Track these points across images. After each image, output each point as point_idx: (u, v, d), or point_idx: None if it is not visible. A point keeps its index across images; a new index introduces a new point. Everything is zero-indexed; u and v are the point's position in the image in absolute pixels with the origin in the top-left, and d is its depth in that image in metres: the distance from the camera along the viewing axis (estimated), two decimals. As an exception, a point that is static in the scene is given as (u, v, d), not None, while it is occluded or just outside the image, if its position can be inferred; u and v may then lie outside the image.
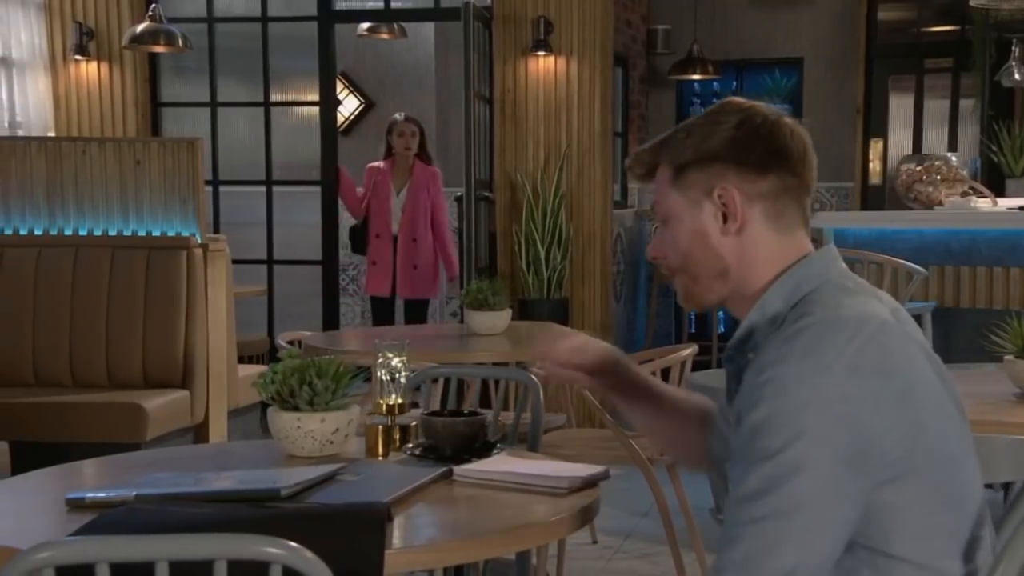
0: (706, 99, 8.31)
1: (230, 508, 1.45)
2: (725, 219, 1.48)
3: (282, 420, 1.87)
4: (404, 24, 7.34)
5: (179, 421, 4.39)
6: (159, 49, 5.82)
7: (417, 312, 6.13)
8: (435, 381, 2.59)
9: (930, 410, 1.39)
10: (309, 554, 1.15)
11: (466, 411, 1.98)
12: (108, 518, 1.41)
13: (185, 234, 4.61)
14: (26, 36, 6.28)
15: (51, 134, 6.30)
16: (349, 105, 8.12)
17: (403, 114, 6.23)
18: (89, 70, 6.45)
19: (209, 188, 6.70)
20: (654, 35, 8.12)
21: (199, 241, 4.60)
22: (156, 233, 4.65)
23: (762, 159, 1.48)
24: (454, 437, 1.86)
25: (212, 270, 4.63)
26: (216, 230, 6.57)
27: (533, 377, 2.32)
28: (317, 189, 6.55)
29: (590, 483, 1.73)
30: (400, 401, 1.96)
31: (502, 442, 2.03)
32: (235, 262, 6.43)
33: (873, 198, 8.13)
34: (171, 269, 4.49)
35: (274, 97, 6.84)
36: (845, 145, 7.91)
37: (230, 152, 6.84)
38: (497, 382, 2.44)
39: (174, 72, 6.96)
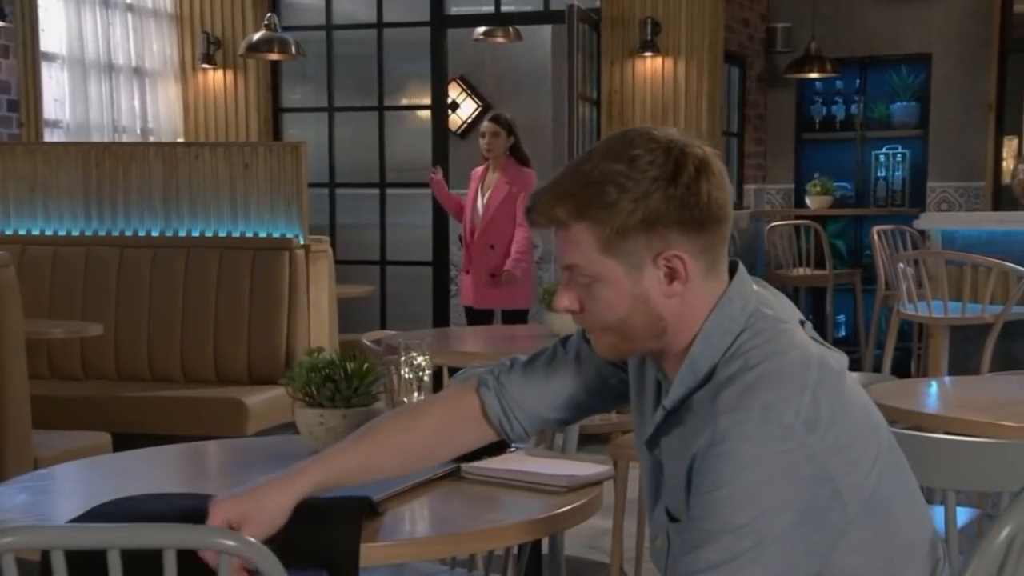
0: (828, 98, 8.14)
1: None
2: (670, 281, 1.38)
3: (306, 416, 1.96)
4: (521, 27, 7.43)
5: (280, 417, 4.57)
6: (274, 57, 6.06)
7: (512, 323, 5.56)
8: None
9: (873, 431, 1.37)
10: (258, 544, 1.22)
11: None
12: (108, 506, 1.51)
13: (289, 235, 4.80)
14: (158, 47, 6.62)
15: (180, 139, 6.63)
16: (467, 108, 8.26)
17: (493, 112, 5.91)
18: (216, 78, 6.76)
19: (325, 190, 6.94)
20: (773, 33, 8.00)
21: (302, 242, 4.78)
22: (262, 234, 4.85)
23: (703, 215, 1.37)
24: (469, 434, 1.92)
25: (314, 270, 4.80)
26: (332, 232, 6.81)
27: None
28: (428, 191, 6.69)
29: (590, 483, 1.77)
30: (423, 398, 2.03)
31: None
32: (349, 263, 6.67)
33: (1006, 198, 7.82)
34: (274, 269, 4.68)
35: (389, 101, 7.02)
36: (976, 144, 7.63)
37: (346, 155, 7.06)
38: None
39: (294, 78, 7.22)
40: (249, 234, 4.87)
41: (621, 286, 1.39)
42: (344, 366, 1.98)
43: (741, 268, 1.44)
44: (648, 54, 6.24)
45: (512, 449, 1.94)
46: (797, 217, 7.68)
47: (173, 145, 5.88)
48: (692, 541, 1.30)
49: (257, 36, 5.99)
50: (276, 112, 6.88)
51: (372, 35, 6.86)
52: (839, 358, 1.40)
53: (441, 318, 6.66)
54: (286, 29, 6.84)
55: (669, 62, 6.28)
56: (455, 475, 1.81)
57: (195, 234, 4.91)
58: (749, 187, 7.80)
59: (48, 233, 5.01)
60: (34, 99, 5.56)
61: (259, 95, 6.78)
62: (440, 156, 6.65)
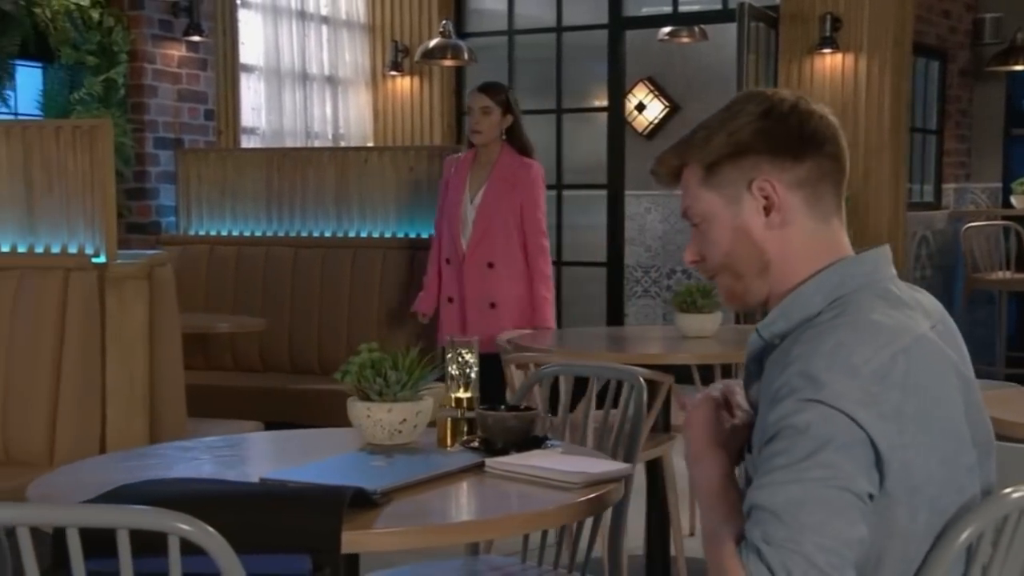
0: (1040, 91, 7.64)
1: (234, 486, 1.68)
2: (767, 212, 1.42)
3: (356, 408, 2.07)
4: (708, 27, 7.36)
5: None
6: (447, 63, 6.27)
7: (493, 373, 3.38)
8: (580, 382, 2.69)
9: (940, 435, 1.34)
10: (210, 529, 1.32)
11: (522, 407, 2.09)
12: (130, 487, 1.66)
13: (448, 236, 4.96)
14: (350, 56, 6.97)
15: (370, 144, 6.95)
16: (653, 110, 8.25)
17: (485, 82, 4.48)
18: (403, 84, 7.05)
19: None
20: (981, 24, 7.58)
21: (463, 243, 4.93)
22: (424, 235, 5.04)
23: (796, 145, 1.42)
24: (504, 431, 1.98)
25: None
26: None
27: (640, 378, 2.37)
28: (604, 192, 6.75)
29: (605, 480, 1.80)
30: (469, 395, 2.11)
31: (555, 439, 2.12)
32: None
33: None
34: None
35: (572, 104, 7.10)
36: None
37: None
38: (609, 381, 2.50)
39: (478, 83, 7.40)
40: (412, 235, 5.07)
41: (723, 220, 1.45)
42: (394, 362, 2.08)
43: (887, 249, 1.46)
44: (827, 51, 6.07)
45: (547, 446, 2.00)
46: (1003, 218, 7.26)
47: (344, 150, 6.19)
48: (762, 458, 1.32)
49: (433, 43, 6.22)
50: (459, 116, 7.10)
51: (553, 39, 6.97)
52: (955, 355, 1.39)
53: (615, 319, 6.70)
54: (469, 35, 7.06)
55: (850, 58, 6.08)
56: (479, 469, 1.88)
57: (363, 235, 5.16)
58: (948, 186, 7.42)
59: (235, 234, 5.39)
60: (232, 108, 5.98)
61: (443, 100, 7.01)
62: (616, 158, 6.69)
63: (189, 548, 1.40)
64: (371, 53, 7.06)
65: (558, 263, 6.99)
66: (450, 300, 4.29)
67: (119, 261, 3.47)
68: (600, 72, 7.02)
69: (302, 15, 6.57)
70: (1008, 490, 1.37)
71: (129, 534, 1.35)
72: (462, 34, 7.02)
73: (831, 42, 6.04)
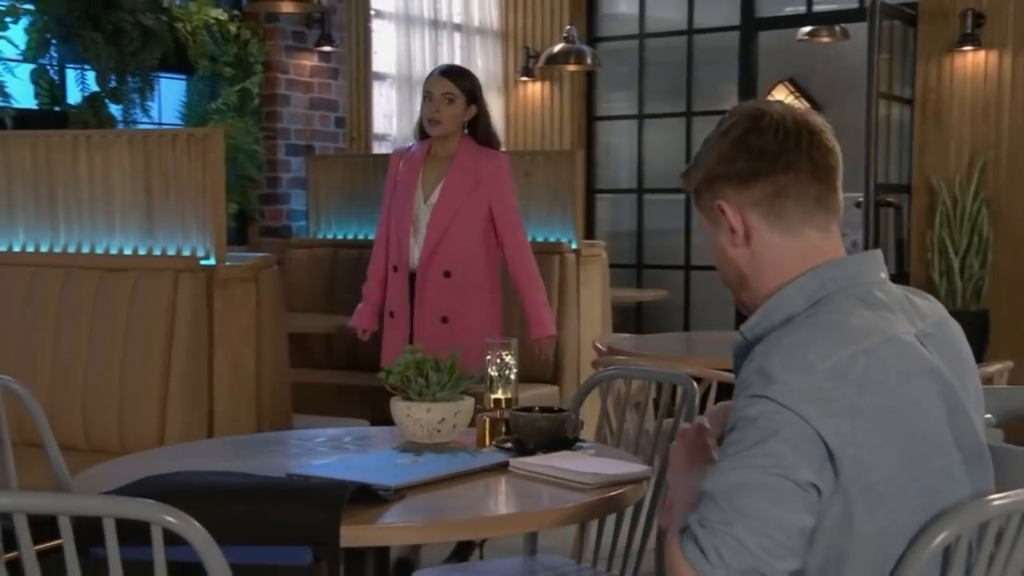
0: None
1: (244, 479, 1.75)
2: (733, 232, 1.49)
3: (397, 408, 2.13)
4: (850, 26, 7.16)
5: (544, 411, 4.78)
6: (571, 68, 6.28)
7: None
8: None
9: (903, 435, 1.33)
10: (193, 521, 1.38)
11: (555, 409, 2.10)
12: (154, 478, 1.75)
13: (563, 240, 4.99)
14: (483, 62, 7.08)
15: (502, 149, 7.03)
16: (795, 111, 8.06)
17: (446, 64, 4.15)
18: (534, 90, 7.11)
19: (634, 195, 7.09)
20: None
21: (573, 247, 4.95)
22: (540, 239, 5.08)
23: (746, 166, 1.47)
24: (535, 432, 2.01)
25: (586, 274, 4.96)
26: (639, 238, 6.95)
27: (694, 382, 2.35)
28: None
29: (621, 481, 1.80)
30: (508, 396, 2.14)
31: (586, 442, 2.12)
32: (652, 267, 6.77)
33: None
34: (545, 273, 4.88)
35: (703, 107, 7.02)
36: None
37: (657, 161, 7.15)
38: (661, 385, 2.49)
39: (608, 87, 7.41)
40: (540, 239, 5.11)
41: (710, 238, 1.54)
42: (436, 363, 2.13)
43: (877, 253, 1.50)
44: (969, 48, 5.82)
45: (577, 447, 2.01)
46: None
47: None
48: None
49: (557, 48, 6.25)
50: (590, 120, 7.11)
51: (684, 42, 6.91)
52: (942, 364, 1.38)
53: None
54: (601, 40, 7.08)
55: (993, 56, 5.81)
56: (503, 469, 1.91)
57: (480, 238, 5.23)
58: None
59: (360, 237, 5.55)
60: (364, 115, 6.17)
61: (572, 105, 7.04)
62: (747, 161, 6.58)
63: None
64: (503, 59, 7.16)
65: (686, 267, 6.93)
66: (391, 315, 3.63)
67: (227, 264, 3.64)
68: (734, 74, 6.93)
69: (435, 23, 6.72)
70: (992, 496, 1.34)
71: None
72: (592, 39, 7.04)
73: (973, 39, 5.79)
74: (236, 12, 5.45)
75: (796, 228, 1.47)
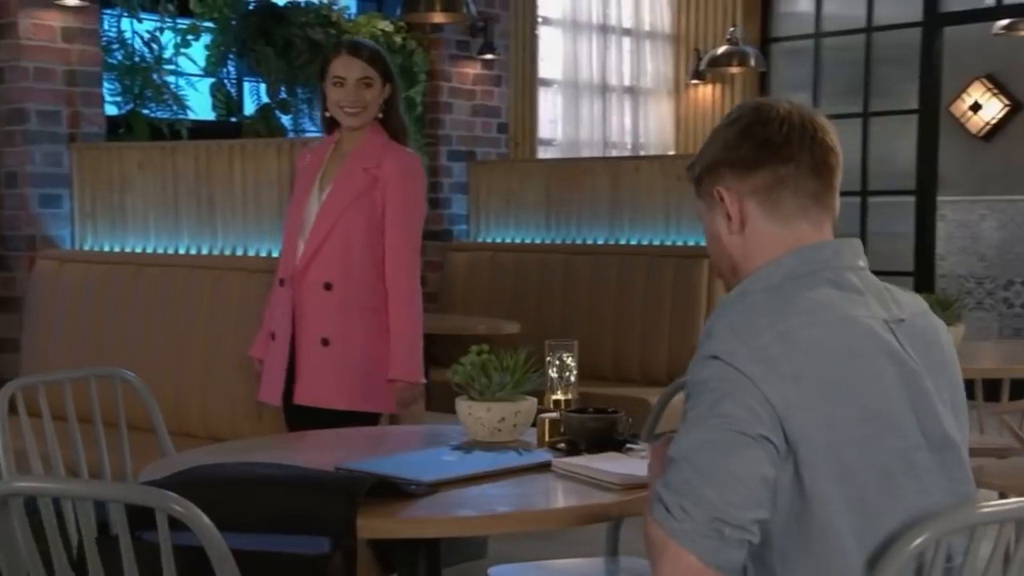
0: None
1: (287, 469, 1.83)
2: (729, 218, 1.52)
3: (460, 406, 2.17)
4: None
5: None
6: (733, 70, 6.17)
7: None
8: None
9: (849, 408, 1.36)
10: (197, 510, 1.45)
11: (609, 410, 2.09)
12: (197, 468, 1.85)
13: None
14: (652, 66, 7.05)
15: (671, 153, 6.99)
16: (991, 109, 7.61)
17: (352, 39, 3.53)
18: (704, 93, 7.02)
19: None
20: None
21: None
22: (691, 243, 5.02)
23: (749, 155, 1.50)
24: (586, 432, 2.01)
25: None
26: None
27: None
28: (911, 199, 6.36)
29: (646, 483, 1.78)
30: (568, 397, 2.14)
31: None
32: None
33: None
34: (693, 277, 4.83)
35: (881, 106, 6.76)
36: None
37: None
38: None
39: (783, 87, 7.22)
40: (679, 243, 5.07)
41: (706, 225, 1.58)
42: (501, 363, 2.16)
43: (855, 241, 1.53)
44: None
45: (627, 449, 2.00)
46: None
47: (618, 159, 6.27)
48: None
49: (720, 50, 6.15)
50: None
51: (863, 39, 6.67)
52: (919, 355, 1.41)
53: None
54: (777, 40, 6.91)
55: None
56: (546, 468, 1.93)
57: (632, 242, 5.22)
58: None
59: (518, 241, 5.64)
60: (529, 121, 6.26)
61: (745, 107, 6.90)
62: (928, 162, 6.28)
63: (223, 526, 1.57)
64: (674, 62, 7.10)
65: (862, 273, 6.67)
66: (273, 337, 3.03)
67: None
68: (915, 73, 6.63)
69: (603, 29, 6.74)
70: (984, 503, 1.36)
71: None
72: (767, 39, 6.88)
73: None
74: (402, 24, 5.63)
75: (790, 220, 1.50)
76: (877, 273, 5.81)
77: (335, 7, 5.58)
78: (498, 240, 5.70)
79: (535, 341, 5.16)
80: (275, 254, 3.88)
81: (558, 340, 2.16)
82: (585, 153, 6.54)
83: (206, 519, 1.48)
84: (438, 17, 5.00)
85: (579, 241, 5.41)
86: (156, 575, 1.51)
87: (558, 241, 5.47)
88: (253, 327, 3.27)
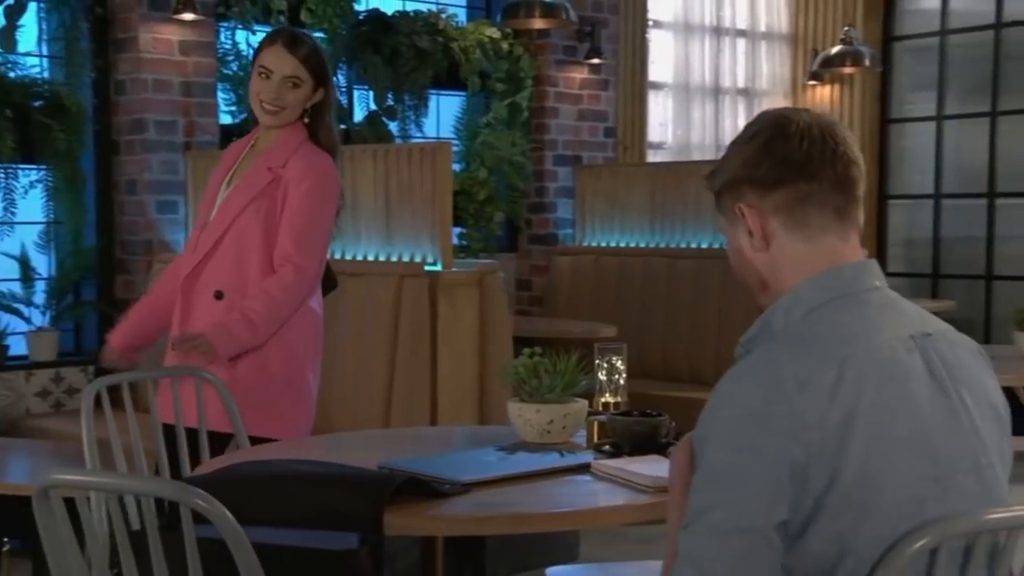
0: None
1: (324, 466, 1.86)
2: (751, 234, 1.50)
3: (511, 408, 2.18)
4: None
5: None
6: (847, 70, 6.02)
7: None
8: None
9: (872, 445, 1.32)
10: (219, 504, 1.49)
11: (654, 413, 2.07)
12: (242, 466, 1.90)
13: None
14: (767, 67, 6.92)
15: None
16: None
17: (287, 29, 3.16)
18: (822, 93, 6.86)
19: (931, 201, 6.66)
20: None
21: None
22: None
23: (770, 172, 1.47)
24: (629, 435, 2.00)
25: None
26: (935, 245, 6.53)
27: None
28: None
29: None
30: (617, 400, 2.13)
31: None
32: (949, 277, 6.33)
33: None
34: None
35: (1011, 106, 6.48)
36: None
37: (958, 164, 6.67)
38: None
39: (907, 87, 6.99)
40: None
41: (729, 241, 1.56)
42: (553, 365, 2.17)
43: (872, 263, 1.50)
44: None
45: (669, 452, 1.98)
46: None
47: (685, 163, 6.14)
48: None
49: (833, 51, 6.00)
50: (883, 123, 6.76)
51: (991, 36, 6.41)
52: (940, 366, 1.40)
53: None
54: (899, 39, 6.71)
55: None
56: (585, 469, 1.93)
57: (703, 246, 5.21)
58: None
59: (622, 245, 5.62)
60: (639, 125, 6.22)
61: (864, 107, 6.72)
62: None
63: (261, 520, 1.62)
64: (791, 63, 6.96)
65: (987, 277, 6.40)
66: (173, 347, 2.69)
67: (453, 270, 3.84)
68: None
69: (716, 31, 6.65)
70: (988, 511, 1.33)
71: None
72: (890, 37, 6.69)
73: None
74: (508, 30, 5.67)
75: (815, 236, 1.47)
76: (1004, 279, 5.59)
77: (443, 16, 5.66)
78: (603, 244, 5.69)
79: (635, 344, 5.19)
80: (359, 257, 4.03)
81: (607, 343, 2.16)
82: (696, 156, 6.46)
83: (228, 514, 1.53)
84: (538, 23, 5.02)
85: (683, 245, 5.36)
86: (208, 569, 1.57)
87: (662, 245, 5.43)
88: (351, 326, 3.33)
